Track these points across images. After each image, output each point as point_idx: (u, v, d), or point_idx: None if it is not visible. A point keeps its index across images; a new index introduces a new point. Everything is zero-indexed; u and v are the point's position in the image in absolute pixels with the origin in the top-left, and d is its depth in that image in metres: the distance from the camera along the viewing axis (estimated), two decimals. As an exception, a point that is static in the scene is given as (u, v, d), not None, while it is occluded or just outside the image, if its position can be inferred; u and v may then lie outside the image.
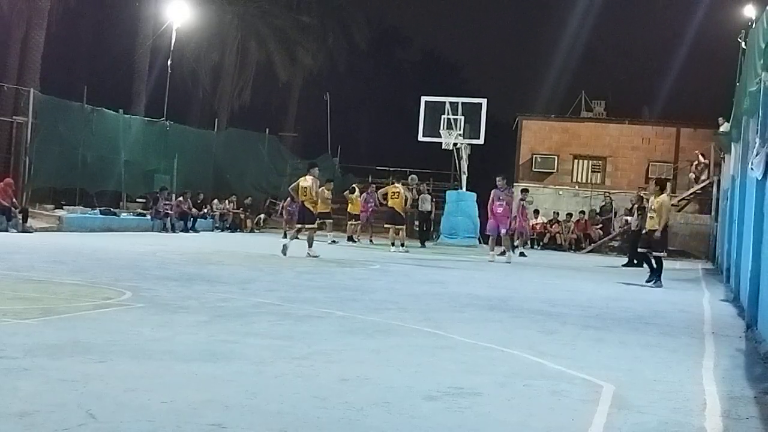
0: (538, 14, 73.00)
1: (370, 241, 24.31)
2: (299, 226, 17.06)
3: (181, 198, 25.12)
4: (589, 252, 27.38)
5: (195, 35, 32.92)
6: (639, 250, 14.91)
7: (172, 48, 28.63)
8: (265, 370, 5.40)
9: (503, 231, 18.86)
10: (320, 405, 4.56)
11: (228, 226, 27.40)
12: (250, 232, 27.89)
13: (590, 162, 32.10)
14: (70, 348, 5.70)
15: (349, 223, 24.67)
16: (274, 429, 4.08)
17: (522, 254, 21.33)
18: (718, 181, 25.88)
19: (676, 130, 31.43)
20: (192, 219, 25.19)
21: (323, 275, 12.94)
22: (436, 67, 51.41)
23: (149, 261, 13.65)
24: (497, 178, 19.21)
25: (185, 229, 24.48)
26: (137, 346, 5.94)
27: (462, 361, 6.15)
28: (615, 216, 28.46)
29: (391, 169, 30.68)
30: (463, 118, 26.54)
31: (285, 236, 24.57)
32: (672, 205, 28.22)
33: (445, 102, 26.93)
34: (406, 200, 22.08)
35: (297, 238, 17.05)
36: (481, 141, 26.78)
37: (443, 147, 26.87)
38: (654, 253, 14.45)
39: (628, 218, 23.05)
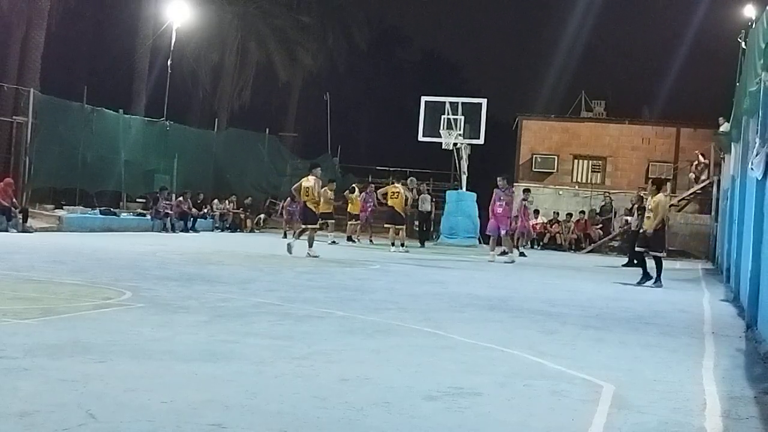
0: (538, 14, 73.07)
1: (370, 241, 24.32)
2: (304, 226, 17.05)
3: (181, 198, 25.12)
4: (589, 252, 27.38)
5: (195, 35, 32.91)
6: (636, 249, 14.91)
7: (172, 48, 28.63)
8: (265, 370, 5.40)
9: (503, 232, 18.86)
10: (320, 405, 4.56)
11: (228, 226, 27.40)
12: (250, 232, 27.89)
13: (590, 162, 32.10)
14: (70, 348, 5.70)
15: (349, 223, 24.68)
16: (274, 429, 4.08)
17: (522, 254, 21.32)
18: (718, 181, 25.88)
19: (676, 130, 31.43)
20: (192, 219, 25.19)
21: (323, 275, 12.94)
22: (436, 67, 51.40)
23: (149, 261, 13.65)
24: (498, 178, 19.21)
25: (185, 229, 24.48)
26: (137, 346, 5.94)
27: (462, 361, 6.15)
28: (615, 216, 28.46)
29: (391, 169, 30.67)
30: (463, 118, 26.54)
31: (285, 236, 24.64)
32: (672, 205, 28.38)
33: (445, 102, 26.93)
34: (406, 200, 22.07)
35: (300, 238, 17.05)
36: (481, 141, 26.78)
37: (443, 147, 26.87)
38: (652, 253, 14.45)
39: (628, 218, 23.05)
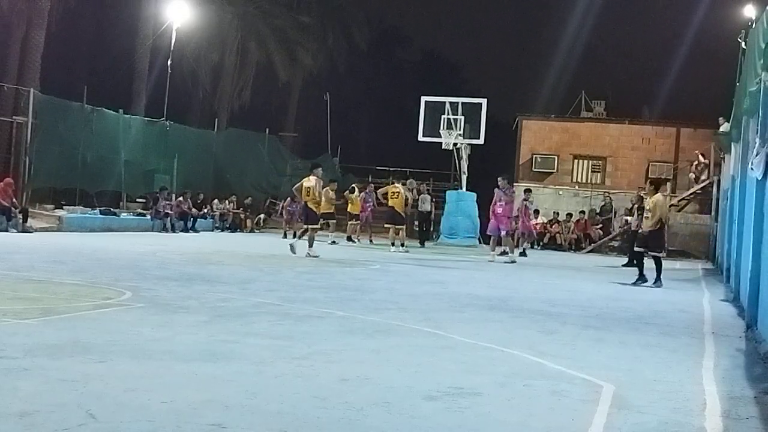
0: (538, 14, 73.08)
1: (370, 241, 24.32)
2: (306, 226, 17.05)
3: (181, 198, 25.12)
4: (589, 252, 27.38)
5: (195, 35, 32.91)
6: (635, 249, 14.90)
7: (172, 48, 28.63)
8: (265, 370, 5.40)
9: (504, 232, 18.87)
10: (320, 405, 4.56)
11: (228, 226, 27.40)
12: (250, 232, 27.89)
13: (590, 162, 32.10)
14: (70, 348, 5.70)
15: (350, 223, 24.67)
16: (274, 429, 4.08)
17: (522, 254, 21.31)
18: (718, 181, 25.88)
19: (676, 130, 31.43)
20: (192, 219, 25.19)
21: (323, 275, 12.94)
22: (436, 67, 51.40)
23: (149, 261, 13.65)
24: (499, 178, 19.21)
25: (185, 229, 24.48)
26: (137, 346, 5.94)
27: (462, 361, 6.15)
28: (615, 216, 28.47)
29: (391, 169, 30.66)
30: (463, 118, 26.54)
31: (285, 236, 24.65)
32: (672, 205, 28.40)
33: (445, 102, 26.93)
34: (406, 200, 22.07)
35: (302, 238, 17.05)
36: (481, 141, 26.78)
37: (443, 147, 26.87)
38: (651, 253, 14.45)
39: (628, 218, 23.04)
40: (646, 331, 8.44)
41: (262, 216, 30.01)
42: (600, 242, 28.09)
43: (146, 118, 28.45)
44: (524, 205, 22.38)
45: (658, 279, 14.13)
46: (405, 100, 41.42)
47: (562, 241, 28.19)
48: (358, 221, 24.57)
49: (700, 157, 28.95)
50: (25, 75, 26.93)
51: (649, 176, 27.24)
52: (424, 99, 27.60)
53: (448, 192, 28.10)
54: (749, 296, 9.26)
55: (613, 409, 4.89)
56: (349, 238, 24.12)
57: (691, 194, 29.33)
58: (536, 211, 27.40)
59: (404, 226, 21.96)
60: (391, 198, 21.40)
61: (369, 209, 24.92)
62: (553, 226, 28.54)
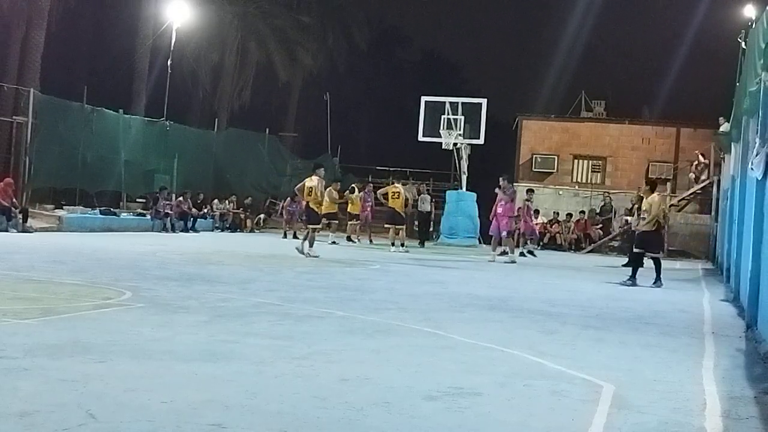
0: (538, 14, 73.06)
1: (370, 241, 24.32)
2: (311, 226, 17.04)
3: (181, 198, 25.12)
4: (589, 252, 27.39)
5: (195, 35, 32.91)
6: (634, 250, 14.89)
7: (172, 48, 28.63)
8: (265, 370, 5.40)
9: (504, 233, 18.88)
10: (320, 405, 4.56)
11: (228, 226, 27.40)
12: (250, 232, 27.89)
13: (590, 162, 32.10)
14: (70, 348, 5.70)
15: (350, 223, 24.68)
16: (274, 429, 4.08)
17: (522, 254, 21.31)
18: (718, 181, 25.88)
19: (676, 130, 31.43)
20: (192, 219, 25.19)
21: (323, 275, 12.94)
22: (436, 67, 51.38)
23: (149, 261, 13.65)
24: (500, 178, 19.23)
25: (185, 229, 24.48)
26: (137, 346, 5.94)
27: (462, 361, 6.15)
28: (615, 216, 28.47)
29: (391, 169, 30.65)
30: (463, 118, 26.54)
31: (285, 236, 24.70)
32: (672, 205, 28.42)
33: (445, 102, 26.93)
34: (406, 200, 22.06)
35: (306, 238, 17.06)
36: (481, 141, 26.78)
37: (443, 147, 26.87)
38: (649, 254, 14.45)
39: (628, 218, 23.05)
40: (646, 331, 8.44)
41: (262, 216, 30.02)
42: (600, 242, 28.10)
43: (146, 118, 28.44)
44: (526, 206, 22.37)
45: (658, 279, 14.13)
46: (405, 100, 41.41)
47: (562, 241, 28.19)
48: (358, 221, 24.59)
49: (700, 157, 28.95)
50: (25, 75, 26.93)
51: (649, 176, 27.25)
52: (424, 99, 27.60)
53: (448, 192, 28.10)
54: (749, 296, 9.26)
55: (613, 409, 4.89)
56: (349, 238, 24.13)
57: (691, 194, 29.34)
58: (536, 211, 27.41)
59: (404, 226, 21.97)
60: (392, 198, 21.41)
61: (369, 208, 24.93)
62: (553, 226, 28.55)
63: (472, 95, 28.61)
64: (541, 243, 27.78)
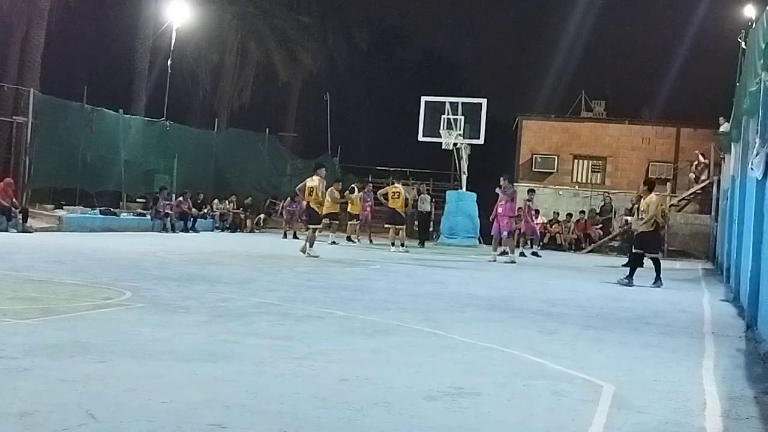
0: (538, 14, 73.05)
1: (370, 241, 24.33)
2: (312, 226, 17.04)
3: (181, 198, 25.12)
4: (589, 252, 27.39)
5: (195, 35, 32.91)
6: (633, 250, 14.88)
7: (172, 48, 28.63)
8: (265, 370, 5.40)
9: (505, 233, 18.88)
10: (320, 405, 4.56)
11: (228, 226, 27.41)
12: (250, 232, 27.89)
13: (590, 162, 32.11)
14: (70, 348, 5.70)
15: (350, 223, 24.69)
16: (274, 429, 4.08)
17: (522, 254, 21.29)
18: (718, 181, 25.88)
19: (676, 130, 31.44)
20: (192, 219, 25.19)
21: (323, 275, 12.94)
22: (436, 67, 51.36)
23: (149, 261, 13.65)
24: (501, 178, 19.23)
25: (185, 229, 24.49)
26: (137, 346, 5.94)
27: (462, 361, 6.15)
28: (615, 216, 28.48)
29: (391, 169, 30.67)
30: (463, 118, 26.54)
31: (285, 236, 24.71)
32: (672, 205, 28.43)
33: (445, 102, 26.94)
34: (406, 201, 22.06)
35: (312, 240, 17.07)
36: (481, 141, 26.78)
37: (443, 147, 26.87)
38: (648, 254, 14.45)
39: (628, 218, 23.06)
40: (646, 331, 8.44)
41: (262, 216, 30.02)
42: (600, 242, 28.11)
43: (146, 118, 28.44)
44: (527, 206, 22.36)
45: (658, 279, 14.13)
46: (405, 100, 41.36)
47: (562, 241, 28.19)
48: (358, 221, 24.59)
49: (700, 157, 28.96)
50: (25, 75, 26.92)
51: (649, 176, 27.25)
52: (424, 99, 27.60)
53: (448, 192, 28.10)
54: (749, 296, 9.26)
55: (613, 409, 4.89)
56: (349, 238, 24.13)
57: (691, 194, 29.35)
58: (536, 211, 27.41)
59: (404, 226, 21.97)
60: (392, 198, 21.40)
61: (368, 209, 24.94)
62: (553, 226, 28.55)
63: (472, 95, 28.61)
64: (541, 243, 27.79)
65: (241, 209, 28.69)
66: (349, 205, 24.71)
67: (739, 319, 9.96)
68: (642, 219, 14.26)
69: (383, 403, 4.67)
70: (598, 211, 29.38)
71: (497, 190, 19.05)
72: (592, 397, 5.16)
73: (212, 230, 26.44)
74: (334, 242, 22.24)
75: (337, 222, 22.69)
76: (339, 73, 42.74)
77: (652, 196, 14.36)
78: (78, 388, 4.61)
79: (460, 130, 26.46)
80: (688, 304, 11.77)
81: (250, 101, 38.49)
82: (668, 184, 29.99)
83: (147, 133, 27.53)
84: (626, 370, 6.20)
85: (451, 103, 26.80)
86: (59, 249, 15.08)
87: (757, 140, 9.14)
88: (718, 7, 35.12)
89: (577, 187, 31.29)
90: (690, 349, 7.47)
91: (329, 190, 19.34)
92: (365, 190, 25.27)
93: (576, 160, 32.15)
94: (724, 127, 20.69)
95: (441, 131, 26.38)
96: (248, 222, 28.50)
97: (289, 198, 26.52)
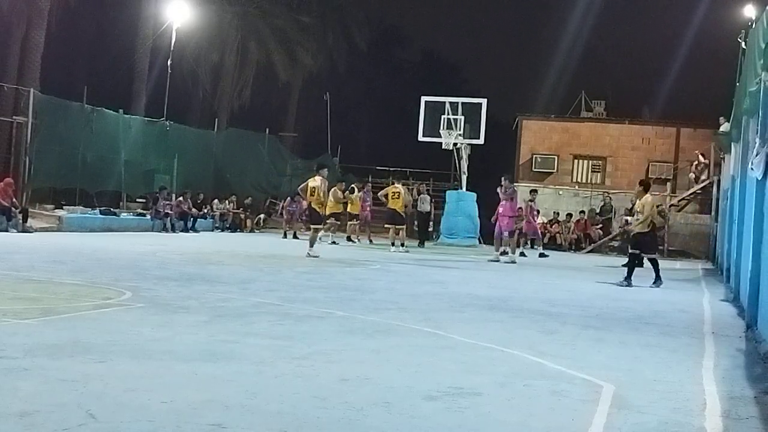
0: (538, 14, 73.10)
1: (370, 241, 24.33)
2: (313, 226, 17.05)
3: (181, 198, 25.12)
4: (589, 252, 27.39)
5: (195, 35, 32.92)
6: (630, 251, 14.85)
7: (172, 48, 28.63)
8: (265, 370, 5.40)
9: (505, 233, 18.88)
10: (320, 405, 4.56)
11: (228, 226, 27.40)
12: (250, 232, 27.89)
13: (590, 162, 32.12)
14: (70, 348, 5.70)
15: (350, 223, 24.69)
16: (274, 429, 4.08)
17: (523, 254, 21.24)
18: (718, 181, 25.88)
19: (676, 130, 31.45)
20: (192, 219, 25.19)
21: (323, 275, 12.94)
22: (436, 67, 51.39)
23: (149, 261, 13.65)
24: (502, 178, 19.23)
25: (185, 229, 24.49)
26: (137, 346, 5.94)
27: (462, 361, 6.15)
28: (615, 216, 28.48)
29: (391, 169, 30.68)
30: (463, 118, 26.54)
31: (285, 236, 24.73)
32: (672, 205, 28.43)
33: (445, 102, 26.93)
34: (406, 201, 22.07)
35: (311, 238, 17.06)
36: (481, 141, 26.78)
37: (443, 147, 26.87)
38: (645, 255, 14.43)
39: (628, 218, 23.02)
40: (646, 331, 8.44)
41: (262, 216, 30.02)
42: (600, 242, 28.10)
43: (146, 118, 28.44)
44: (529, 206, 22.35)
45: (657, 279, 14.12)
46: (405, 100, 41.40)
47: (562, 241, 28.19)
48: (358, 221, 24.60)
49: (700, 157, 28.96)
50: (25, 75, 26.93)
51: (649, 176, 27.27)
52: (424, 99, 27.60)
53: (448, 192, 28.10)
54: (749, 296, 9.26)
55: (613, 409, 4.89)
56: (349, 238, 24.14)
57: (691, 194, 29.35)
58: (537, 212, 27.41)
59: (404, 226, 21.97)
60: (392, 198, 21.40)
61: (368, 209, 24.94)
62: (553, 226, 28.55)
63: (472, 95, 28.62)
64: (541, 243, 27.79)
65: (241, 209, 28.69)
66: (349, 205, 24.72)
67: (739, 319, 9.96)
68: (638, 219, 14.24)
69: (383, 403, 4.67)
70: (598, 211, 29.38)
71: (498, 190, 19.05)
72: (592, 397, 5.16)
73: (212, 230, 26.44)
74: (334, 242, 22.25)
75: (338, 222, 22.68)
76: (339, 73, 42.74)
77: (647, 197, 14.33)
78: (78, 388, 4.61)
79: (460, 130, 26.46)
80: (688, 304, 11.77)
81: (250, 101, 38.49)
82: (668, 184, 30.00)
83: (147, 133, 27.52)
84: (626, 370, 6.20)
85: (451, 103, 26.80)
86: (59, 249, 15.08)
87: (757, 140, 9.14)
88: (718, 7, 35.15)
89: (577, 187, 31.29)
90: (690, 349, 7.47)
91: (332, 190, 19.34)
92: (365, 190, 25.27)
93: (576, 160, 32.16)
94: (724, 127, 20.69)
95: (441, 131, 26.38)
96: (248, 222, 28.49)
97: (289, 198, 26.53)
